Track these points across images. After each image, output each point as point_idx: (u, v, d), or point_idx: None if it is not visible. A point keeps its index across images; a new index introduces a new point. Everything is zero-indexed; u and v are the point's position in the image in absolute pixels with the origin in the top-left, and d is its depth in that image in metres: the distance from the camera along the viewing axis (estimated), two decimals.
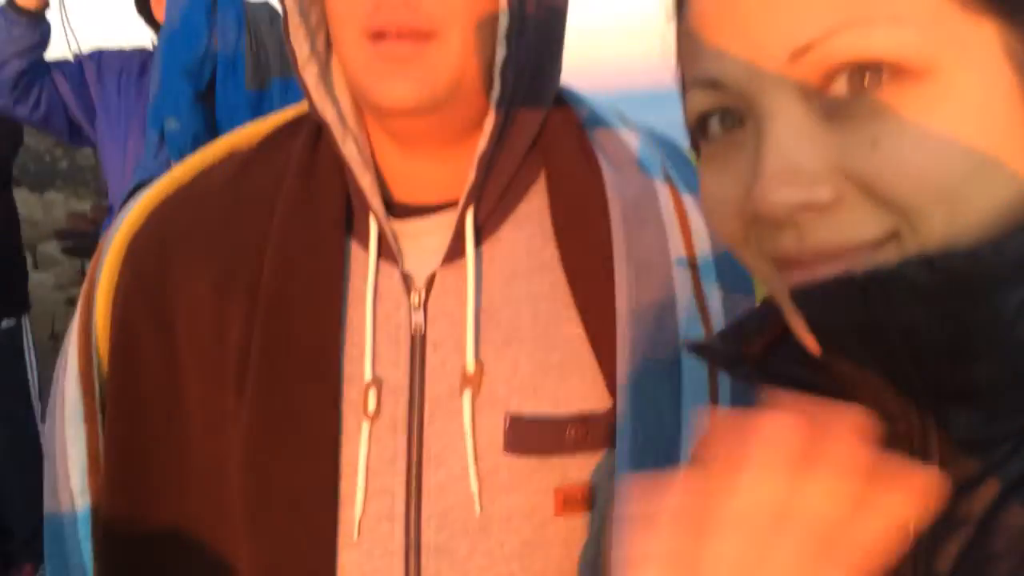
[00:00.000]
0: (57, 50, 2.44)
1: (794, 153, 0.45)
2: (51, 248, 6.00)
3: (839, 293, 0.44)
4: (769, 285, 0.52)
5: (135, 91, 2.43)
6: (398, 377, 0.80)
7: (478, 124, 0.79)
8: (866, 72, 0.44)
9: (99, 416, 0.86)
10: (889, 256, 0.45)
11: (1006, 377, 0.45)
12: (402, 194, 0.85)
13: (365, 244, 0.83)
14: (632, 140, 0.88)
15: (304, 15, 0.81)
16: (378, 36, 0.74)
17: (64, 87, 2.44)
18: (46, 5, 2.35)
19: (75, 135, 2.57)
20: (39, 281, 5.52)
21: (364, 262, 0.83)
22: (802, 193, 0.45)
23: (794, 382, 0.53)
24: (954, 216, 0.44)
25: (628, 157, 0.86)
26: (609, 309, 0.78)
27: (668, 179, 0.86)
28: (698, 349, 0.59)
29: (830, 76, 0.45)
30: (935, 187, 0.43)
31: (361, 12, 0.74)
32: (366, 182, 0.82)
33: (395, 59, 0.74)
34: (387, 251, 0.83)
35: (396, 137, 0.82)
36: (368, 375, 0.80)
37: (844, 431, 0.42)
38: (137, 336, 0.85)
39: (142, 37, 2.54)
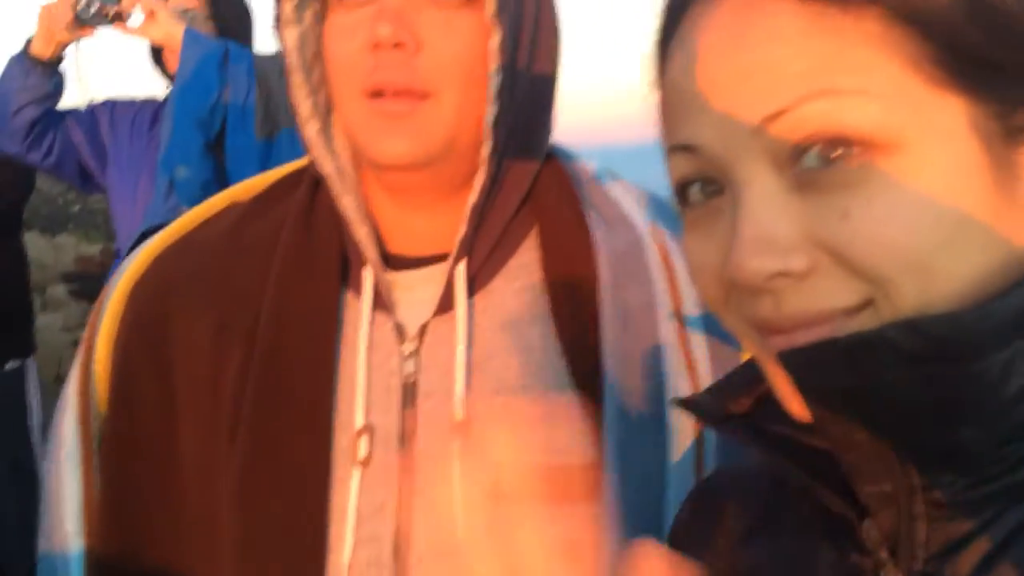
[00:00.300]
0: (72, 99, 2.48)
1: (768, 223, 0.46)
2: (59, 291, 6.03)
3: (825, 356, 0.45)
4: (751, 349, 0.52)
5: (146, 140, 2.46)
6: (389, 424, 0.82)
7: (472, 179, 0.82)
8: (837, 144, 0.45)
9: (95, 459, 0.87)
10: (864, 323, 0.46)
11: (991, 440, 0.46)
12: (397, 246, 0.87)
13: (360, 294, 0.85)
14: (621, 195, 0.91)
15: (307, 73, 0.84)
16: (376, 94, 0.78)
17: (77, 135, 2.48)
18: (62, 56, 2.39)
19: (86, 181, 2.60)
20: (46, 323, 5.54)
21: (359, 312, 0.85)
22: (776, 262, 0.46)
23: (781, 440, 0.54)
24: (926, 285, 0.45)
25: (616, 212, 0.88)
26: (597, 361, 0.80)
27: (656, 233, 0.88)
28: (685, 405, 0.59)
29: (801, 147, 0.46)
30: (906, 258, 0.45)
31: (361, 71, 0.78)
32: (362, 234, 0.84)
33: (392, 116, 0.77)
34: (381, 301, 0.85)
35: (392, 190, 0.85)
36: (360, 422, 0.81)
37: None
38: (135, 381, 0.87)
39: (155, 88, 2.57)
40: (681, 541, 0.67)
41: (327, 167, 0.84)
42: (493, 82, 0.78)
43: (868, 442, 0.47)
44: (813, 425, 0.50)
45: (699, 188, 0.51)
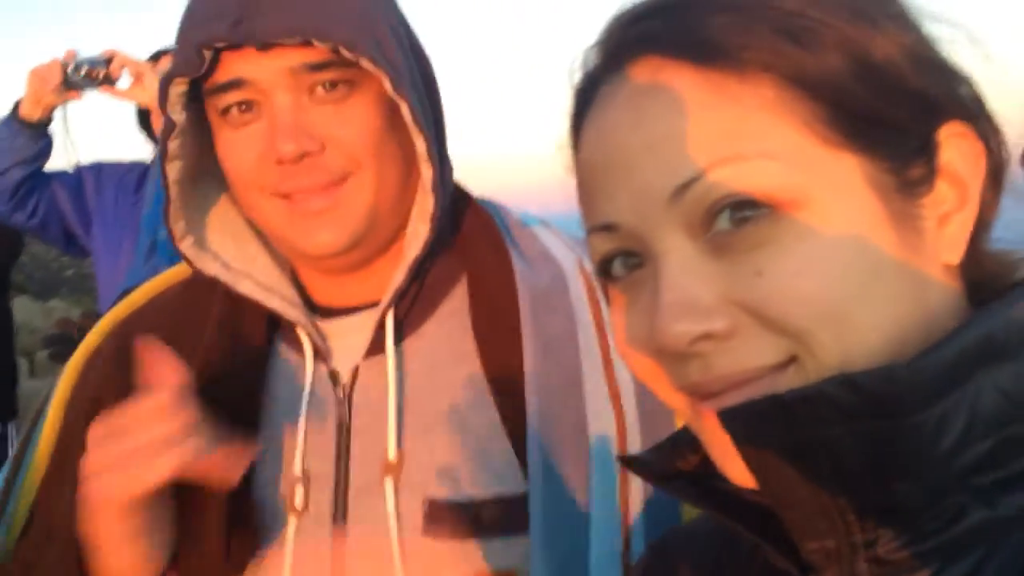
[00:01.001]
0: (59, 161, 2.50)
1: (687, 288, 0.47)
2: (46, 355, 6.03)
3: (766, 413, 0.45)
4: (685, 417, 0.53)
5: (132, 202, 2.48)
6: (324, 467, 0.83)
7: (394, 238, 0.84)
8: (744, 206, 0.47)
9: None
10: (792, 379, 0.46)
11: (928, 494, 0.45)
12: (325, 300, 0.90)
13: (293, 344, 0.87)
14: (544, 234, 0.93)
15: (186, 194, 0.84)
16: (288, 195, 0.79)
17: (62, 197, 2.49)
18: (50, 119, 2.42)
19: (71, 243, 2.61)
20: (35, 388, 5.50)
21: (292, 362, 0.87)
22: (698, 325, 0.47)
23: (727, 497, 0.52)
24: (844, 337, 0.46)
25: (540, 249, 0.91)
26: (522, 396, 0.81)
27: (583, 271, 0.89)
28: (631, 463, 0.59)
29: (712, 212, 0.47)
30: (820, 309, 0.46)
31: (269, 179, 0.79)
32: (275, 304, 0.86)
33: (313, 214, 0.79)
34: (317, 351, 0.87)
35: (318, 267, 0.87)
36: (298, 469, 0.83)
37: None
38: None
39: (141, 151, 2.60)
40: None
41: (211, 269, 0.86)
42: (420, 146, 0.79)
43: (810, 499, 0.47)
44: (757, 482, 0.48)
45: (621, 262, 0.52)
